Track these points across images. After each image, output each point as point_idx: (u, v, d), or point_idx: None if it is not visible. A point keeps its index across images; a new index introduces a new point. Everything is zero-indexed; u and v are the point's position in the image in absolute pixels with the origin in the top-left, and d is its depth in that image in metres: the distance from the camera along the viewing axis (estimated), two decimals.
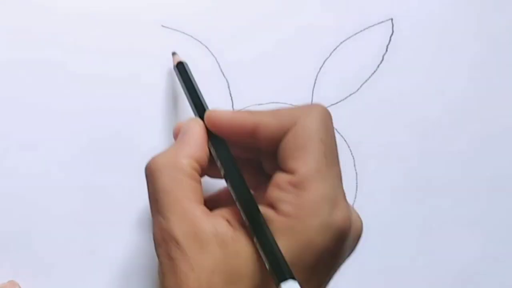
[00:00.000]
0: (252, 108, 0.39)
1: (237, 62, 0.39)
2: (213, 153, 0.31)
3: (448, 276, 0.39)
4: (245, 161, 0.33)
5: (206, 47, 0.39)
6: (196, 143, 0.31)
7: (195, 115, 0.33)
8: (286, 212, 0.28)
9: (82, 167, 0.37)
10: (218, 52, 0.39)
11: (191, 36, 0.38)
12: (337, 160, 0.30)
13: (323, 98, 0.39)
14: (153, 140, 0.38)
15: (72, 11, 0.38)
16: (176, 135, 0.33)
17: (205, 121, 0.32)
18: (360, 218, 0.31)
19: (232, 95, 0.39)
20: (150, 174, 0.30)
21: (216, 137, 0.31)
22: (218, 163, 0.31)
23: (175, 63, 0.36)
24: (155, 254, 0.29)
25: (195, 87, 0.34)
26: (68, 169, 0.37)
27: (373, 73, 0.39)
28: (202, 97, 0.34)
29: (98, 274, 0.37)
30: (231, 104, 0.38)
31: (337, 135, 0.39)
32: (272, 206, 0.28)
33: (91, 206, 0.37)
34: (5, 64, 0.37)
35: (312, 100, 0.39)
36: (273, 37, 0.39)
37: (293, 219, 0.27)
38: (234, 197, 0.29)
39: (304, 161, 0.28)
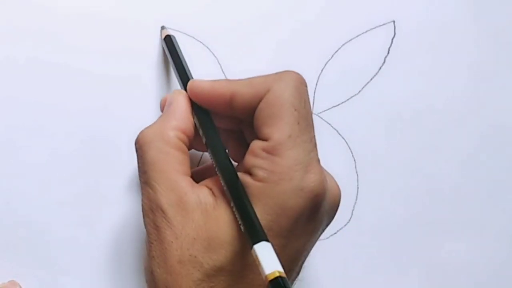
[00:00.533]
0: None
1: (238, 63, 0.39)
2: (196, 122, 0.32)
3: (449, 277, 0.39)
4: (230, 133, 0.34)
5: (207, 47, 0.39)
6: (181, 114, 0.31)
7: (181, 87, 0.33)
8: (261, 177, 0.28)
9: (81, 166, 0.37)
10: (219, 53, 0.39)
11: (193, 37, 0.38)
12: (311, 126, 0.30)
13: (324, 99, 0.39)
14: None
15: (73, 11, 0.38)
16: (163, 107, 0.34)
17: (188, 91, 0.32)
18: (337, 186, 0.31)
19: None
20: (139, 147, 0.31)
21: (199, 107, 0.32)
22: (201, 132, 0.31)
23: (163, 36, 0.37)
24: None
25: (181, 59, 0.35)
26: (67, 168, 0.37)
27: (374, 75, 0.39)
28: (188, 69, 0.34)
29: (98, 273, 0.37)
30: None
31: (338, 137, 0.39)
32: (248, 172, 0.29)
33: (91, 205, 0.37)
34: (5, 63, 0.37)
35: (314, 102, 0.39)
36: (275, 38, 0.39)
37: (267, 184, 0.28)
38: (214, 165, 0.30)
39: (277, 127, 0.29)
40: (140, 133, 0.31)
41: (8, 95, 0.37)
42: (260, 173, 0.29)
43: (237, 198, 0.28)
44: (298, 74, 0.31)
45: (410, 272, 0.39)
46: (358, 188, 0.39)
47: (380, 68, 0.40)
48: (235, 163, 0.33)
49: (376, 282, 0.38)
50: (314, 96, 0.39)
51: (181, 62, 0.35)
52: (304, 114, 0.30)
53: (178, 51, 0.36)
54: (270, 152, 0.29)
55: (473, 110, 0.40)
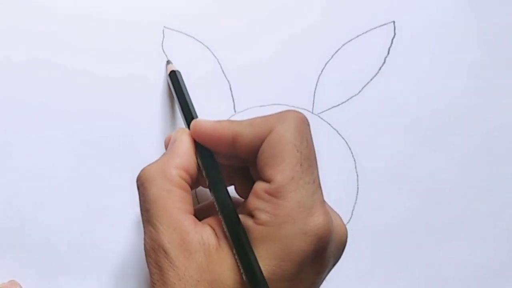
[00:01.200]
0: (254, 110, 0.39)
1: (239, 64, 0.39)
2: (199, 162, 0.31)
3: (449, 277, 0.39)
4: (234, 169, 0.33)
5: (208, 48, 0.39)
6: (184, 153, 0.31)
7: (185, 125, 0.33)
8: (264, 221, 0.28)
9: (82, 166, 0.37)
10: (220, 54, 0.39)
11: (194, 38, 0.38)
12: (314, 167, 0.30)
13: (324, 100, 0.39)
14: (153, 141, 0.38)
15: (75, 12, 0.38)
16: (167, 145, 0.33)
17: (191, 132, 0.32)
18: (343, 224, 0.31)
19: (234, 97, 0.39)
20: (141, 184, 0.31)
21: (202, 147, 0.32)
22: (204, 173, 0.31)
23: (168, 72, 0.36)
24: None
25: (186, 96, 0.35)
26: (67, 168, 0.37)
27: (375, 76, 0.40)
28: (193, 106, 0.34)
29: (98, 272, 0.37)
30: (233, 106, 0.38)
31: (338, 137, 0.39)
32: (251, 215, 0.29)
33: (92, 206, 0.37)
34: (7, 64, 0.37)
35: (314, 102, 0.39)
36: (275, 39, 0.39)
37: (270, 227, 0.28)
38: (216, 207, 0.30)
39: (279, 169, 0.28)
40: (142, 170, 0.31)
41: (8, 95, 0.37)
42: (262, 216, 0.28)
43: (239, 245, 0.28)
44: (299, 113, 0.30)
45: (410, 272, 0.39)
46: (358, 188, 0.39)
47: (380, 68, 0.40)
48: (239, 198, 0.34)
49: (376, 282, 0.38)
50: (314, 96, 0.39)
51: (185, 99, 0.34)
52: (306, 154, 0.29)
53: (183, 87, 0.35)
54: (273, 194, 0.28)
55: (473, 110, 0.40)
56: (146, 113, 0.38)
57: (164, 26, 0.38)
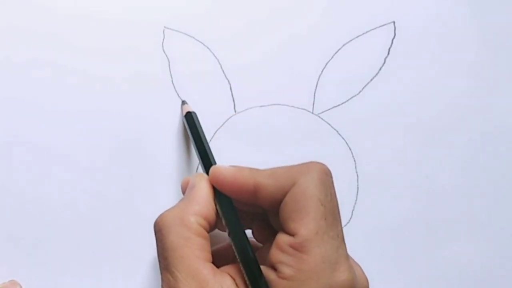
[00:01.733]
0: (254, 110, 0.39)
1: (239, 64, 0.39)
2: (219, 210, 0.31)
3: (449, 277, 0.39)
4: (252, 215, 0.33)
5: (208, 48, 0.39)
6: (203, 199, 0.31)
7: (202, 169, 0.33)
8: (287, 275, 0.28)
9: (88, 169, 0.37)
10: (220, 54, 0.39)
11: (194, 38, 0.38)
12: (338, 221, 0.29)
13: (324, 100, 0.39)
14: (154, 142, 0.38)
15: (74, 12, 0.38)
16: (184, 189, 0.33)
17: (210, 178, 0.32)
18: (365, 277, 0.31)
19: (234, 97, 0.39)
20: (159, 231, 0.30)
21: (222, 194, 0.31)
22: (223, 221, 0.31)
23: (184, 113, 0.36)
24: None
25: (203, 140, 0.34)
26: (73, 171, 0.37)
27: (375, 76, 0.40)
28: (210, 151, 0.34)
29: (97, 271, 0.37)
30: (233, 106, 0.38)
31: (338, 137, 0.39)
32: (274, 268, 0.28)
33: (92, 206, 0.37)
34: (12, 64, 0.37)
35: (314, 102, 0.39)
36: (275, 39, 0.39)
37: (294, 282, 0.27)
38: (237, 258, 0.30)
39: (304, 223, 0.28)
40: (159, 216, 0.31)
41: (11, 96, 0.37)
42: (286, 270, 0.28)
43: None
44: (323, 165, 0.30)
45: (410, 272, 0.39)
46: (358, 188, 0.39)
47: (380, 69, 0.40)
48: (258, 243, 0.33)
49: (376, 281, 0.38)
50: (314, 96, 0.39)
51: (202, 143, 0.34)
52: (330, 208, 0.29)
53: (199, 129, 0.35)
54: (296, 248, 0.28)
55: (473, 110, 0.40)
56: (146, 113, 0.38)
57: (164, 26, 0.38)
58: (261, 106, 0.39)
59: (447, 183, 0.39)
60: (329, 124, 0.39)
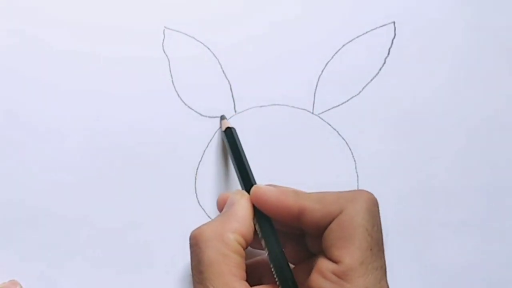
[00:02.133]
0: (254, 110, 0.39)
1: (239, 64, 0.39)
2: (258, 229, 0.31)
3: (448, 277, 0.39)
4: (287, 235, 0.33)
5: (208, 48, 0.39)
6: (242, 218, 0.31)
7: (241, 186, 0.33)
8: None
9: (91, 169, 0.37)
10: (220, 54, 0.39)
11: (194, 38, 0.38)
12: (382, 252, 0.29)
13: (324, 100, 0.39)
14: (154, 143, 0.38)
15: (75, 13, 0.38)
16: (221, 205, 0.33)
17: (251, 197, 0.32)
18: None
19: (234, 97, 0.39)
20: (195, 244, 0.30)
21: (262, 214, 0.31)
22: (263, 242, 0.31)
23: (224, 128, 0.36)
24: None
25: (243, 157, 0.34)
26: (69, 169, 0.37)
27: (375, 76, 0.39)
28: (250, 168, 0.34)
29: (97, 271, 0.37)
30: (233, 106, 0.38)
31: (338, 138, 0.39)
32: None
33: (92, 207, 0.37)
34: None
35: (314, 102, 0.39)
36: (276, 39, 0.39)
37: None
38: (276, 280, 0.30)
39: (349, 252, 0.28)
40: (197, 229, 0.31)
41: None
42: None
43: None
44: (371, 194, 0.30)
45: (409, 272, 0.39)
46: (358, 188, 0.39)
47: (380, 69, 0.40)
48: (290, 264, 0.33)
49: None
50: (314, 96, 0.39)
51: (243, 162, 0.34)
52: (376, 239, 0.29)
53: (239, 146, 0.35)
54: (340, 276, 0.28)
55: (473, 110, 0.40)
56: (145, 113, 0.38)
57: (164, 26, 0.38)
58: (261, 106, 0.39)
59: (447, 183, 0.39)
60: (329, 124, 0.39)
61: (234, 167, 0.34)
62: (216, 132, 0.38)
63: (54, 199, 0.37)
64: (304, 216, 0.30)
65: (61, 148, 0.37)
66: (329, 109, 0.39)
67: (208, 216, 0.37)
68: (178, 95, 0.38)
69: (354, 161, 0.39)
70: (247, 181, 0.33)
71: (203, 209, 0.38)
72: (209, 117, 0.38)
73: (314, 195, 0.30)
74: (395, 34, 0.40)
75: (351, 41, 0.39)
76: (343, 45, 0.39)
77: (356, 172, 0.39)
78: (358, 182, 0.39)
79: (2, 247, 0.36)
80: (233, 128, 0.36)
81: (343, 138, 0.39)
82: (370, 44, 0.40)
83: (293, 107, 0.39)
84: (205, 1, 0.39)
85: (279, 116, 0.39)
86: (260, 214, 0.31)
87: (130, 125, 0.38)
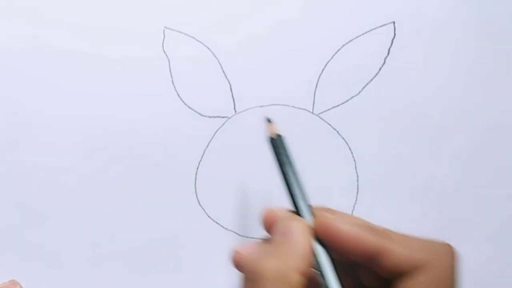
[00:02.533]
0: (254, 110, 0.39)
1: (239, 64, 0.39)
2: (319, 266, 0.28)
3: None
4: (340, 263, 0.30)
5: (208, 48, 0.39)
6: (305, 254, 0.27)
7: (293, 208, 0.29)
8: None
9: (90, 169, 0.37)
10: (220, 54, 0.39)
11: (194, 38, 0.38)
12: None
13: (324, 100, 0.39)
14: (154, 143, 0.38)
15: (75, 13, 0.38)
16: (267, 224, 0.29)
17: (317, 228, 0.28)
18: None
19: (234, 97, 0.39)
20: (254, 280, 0.27)
21: (321, 245, 0.28)
22: (324, 281, 0.28)
23: (272, 135, 0.31)
24: None
25: (296, 175, 0.29)
26: (70, 169, 0.37)
27: (375, 76, 0.39)
28: (304, 188, 0.29)
29: (97, 271, 0.37)
30: (233, 106, 0.38)
31: (338, 138, 0.39)
32: None
33: (93, 206, 0.37)
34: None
35: (314, 102, 0.39)
36: (276, 39, 0.39)
37: None
38: None
39: None
40: (256, 263, 0.27)
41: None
42: None
43: None
44: (454, 248, 0.28)
45: None
46: (358, 188, 0.39)
47: (380, 69, 0.40)
48: None
49: None
50: (314, 96, 0.39)
51: (298, 182, 0.29)
52: None
53: (291, 162, 0.30)
54: None
55: (473, 110, 0.40)
56: (145, 113, 0.38)
57: (164, 26, 0.38)
58: (261, 106, 0.39)
59: (447, 183, 0.39)
60: (329, 124, 0.39)
61: (285, 189, 0.30)
62: (216, 132, 0.38)
63: (54, 199, 0.37)
64: (383, 259, 0.27)
65: (61, 148, 0.37)
66: (329, 109, 0.39)
67: (208, 216, 0.37)
68: (178, 95, 0.38)
69: (354, 161, 0.39)
70: (302, 204, 0.29)
71: (203, 209, 0.38)
72: (209, 117, 0.38)
73: (394, 236, 0.28)
74: (395, 34, 0.40)
75: (351, 41, 0.39)
76: (343, 45, 0.39)
77: (356, 172, 0.39)
78: (358, 181, 0.39)
79: (2, 247, 0.36)
80: (283, 136, 0.31)
81: (343, 138, 0.39)
82: (370, 44, 0.40)
83: (293, 107, 0.39)
84: (205, 1, 0.39)
85: (279, 116, 0.39)
86: (321, 245, 0.28)
87: (130, 125, 0.38)
